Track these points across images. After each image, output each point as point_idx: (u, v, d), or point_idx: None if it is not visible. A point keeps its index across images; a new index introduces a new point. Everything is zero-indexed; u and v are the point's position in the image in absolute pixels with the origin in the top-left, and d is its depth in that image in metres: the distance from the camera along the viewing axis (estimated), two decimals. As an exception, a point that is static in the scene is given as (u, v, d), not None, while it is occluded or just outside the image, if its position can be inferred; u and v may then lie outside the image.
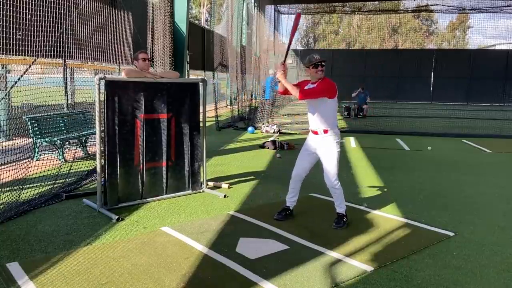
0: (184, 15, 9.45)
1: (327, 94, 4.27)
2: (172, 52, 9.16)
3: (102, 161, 4.85)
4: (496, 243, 4.05)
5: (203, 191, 5.65)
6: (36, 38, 5.56)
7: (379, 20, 36.58)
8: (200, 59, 14.92)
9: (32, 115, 7.03)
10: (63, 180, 5.86)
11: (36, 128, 7.07)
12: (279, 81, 4.39)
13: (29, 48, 5.48)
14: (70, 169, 6.24)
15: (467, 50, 32.00)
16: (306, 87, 4.40)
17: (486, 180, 6.76)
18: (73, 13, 6.45)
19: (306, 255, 3.68)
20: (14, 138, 6.23)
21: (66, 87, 8.45)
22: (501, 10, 21.51)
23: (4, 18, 5.14)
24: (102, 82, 4.71)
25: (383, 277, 3.30)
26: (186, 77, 10.19)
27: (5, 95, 7.65)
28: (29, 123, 6.88)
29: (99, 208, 4.76)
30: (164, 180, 5.31)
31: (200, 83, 5.67)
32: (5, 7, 5.16)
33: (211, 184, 5.95)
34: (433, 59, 29.31)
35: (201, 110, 5.74)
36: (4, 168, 5.14)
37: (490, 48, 33.51)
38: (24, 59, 6.93)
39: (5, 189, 4.85)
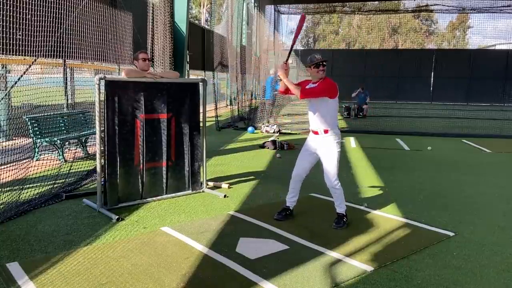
0: (184, 15, 9.45)
1: (328, 94, 4.27)
2: (172, 52, 9.16)
3: (102, 161, 4.85)
4: (496, 243, 4.05)
5: (203, 191, 5.65)
6: (36, 38, 5.56)
7: (379, 20, 36.57)
8: (200, 59, 14.93)
9: (32, 115, 7.03)
10: (63, 180, 5.86)
11: (36, 128, 7.07)
12: (281, 79, 4.40)
13: (29, 48, 5.48)
14: (70, 169, 6.24)
15: (467, 50, 31.97)
16: (307, 87, 4.40)
17: (486, 180, 6.76)
18: (73, 13, 6.45)
19: (306, 255, 3.68)
20: (14, 138, 6.23)
21: (66, 87, 8.45)
22: (501, 10, 21.51)
23: (4, 18, 5.15)
24: (102, 82, 4.71)
25: (383, 277, 3.30)
26: (186, 77, 10.19)
27: (5, 95, 7.66)
28: (29, 123, 6.88)
29: (99, 208, 4.76)
30: (164, 180, 5.31)
31: (200, 83, 5.67)
32: (5, 7, 5.16)
33: (211, 184, 5.95)
34: (433, 59, 29.29)
35: (201, 110, 5.74)
36: (4, 168, 5.13)
37: (490, 48, 33.51)
38: (24, 59, 6.92)
39: (5, 189, 4.85)
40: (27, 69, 5.46)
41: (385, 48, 40.76)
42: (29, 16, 5.45)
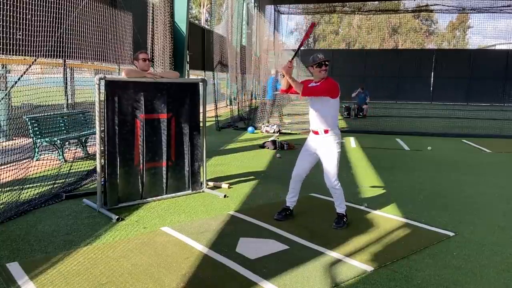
0: (184, 15, 9.45)
1: (329, 94, 4.27)
2: (172, 52, 9.16)
3: (102, 161, 4.85)
4: (496, 243, 4.05)
5: (203, 191, 5.65)
6: (36, 38, 5.56)
7: (379, 20, 36.55)
8: (200, 59, 14.93)
9: (32, 115, 7.02)
10: (63, 180, 5.86)
11: (36, 128, 7.07)
12: (283, 76, 4.40)
13: (29, 48, 5.48)
14: (70, 169, 6.24)
15: (467, 50, 31.98)
16: (309, 85, 4.41)
17: (486, 180, 6.76)
18: (73, 13, 6.45)
19: (306, 255, 3.68)
20: (14, 138, 6.24)
21: (66, 87, 8.45)
22: (501, 10, 21.51)
23: (4, 18, 5.15)
24: (102, 82, 4.71)
25: (383, 277, 3.30)
26: (186, 77, 10.19)
27: (5, 95, 7.66)
28: (29, 123, 6.88)
29: (99, 208, 4.76)
30: (164, 180, 5.31)
31: (200, 83, 5.67)
32: (5, 7, 5.16)
33: (211, 184, 5.95)
34: (433, 59, 29.30)
35: (201, 110, 5.74)
36: (4, 168, 5.14)
37: (490, 48, 33.51)
38: (24, 59, 6.93)
39: (5, 189, 4.85)
40: (27, 69, 5.46)
41: (385, 48, 40.77)
42: (29, 16, 5.45)
